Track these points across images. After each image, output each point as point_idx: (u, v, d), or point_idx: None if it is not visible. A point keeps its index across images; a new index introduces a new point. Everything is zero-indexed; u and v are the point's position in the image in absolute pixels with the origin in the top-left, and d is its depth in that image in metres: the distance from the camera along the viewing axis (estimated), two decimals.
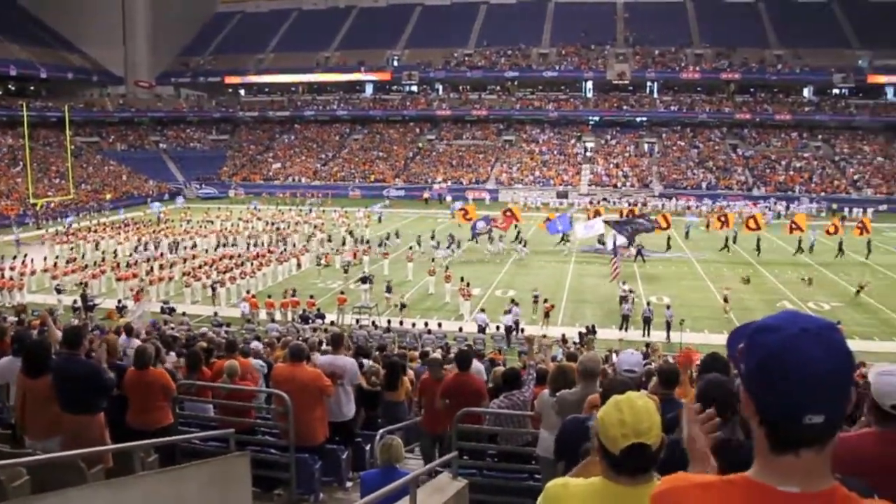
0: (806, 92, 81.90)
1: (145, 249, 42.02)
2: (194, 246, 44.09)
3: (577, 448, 3.70)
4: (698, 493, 1.70)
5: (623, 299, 29.89)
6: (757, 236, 44.05)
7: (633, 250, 41.73)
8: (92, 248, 44.17)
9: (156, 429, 7.47)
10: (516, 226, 45.23)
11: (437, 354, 17.95)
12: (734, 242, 44.66)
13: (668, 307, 29.28)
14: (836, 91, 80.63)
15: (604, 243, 43.10)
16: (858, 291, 32.85)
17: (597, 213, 46.62)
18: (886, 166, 70.51)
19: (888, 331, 28.63)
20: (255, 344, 15.53)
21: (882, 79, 77.43)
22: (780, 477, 1.61)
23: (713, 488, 1.69)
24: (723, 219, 45.08)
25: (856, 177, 69.21)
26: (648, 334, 28.19)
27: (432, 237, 44.78)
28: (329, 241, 45.37)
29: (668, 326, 28.19)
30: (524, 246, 43.09)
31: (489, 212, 49.36)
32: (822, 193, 66.04)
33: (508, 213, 44.46)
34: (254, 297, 31.48)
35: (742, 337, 1.70)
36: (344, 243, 44.71)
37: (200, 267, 36.85)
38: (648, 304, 29.82)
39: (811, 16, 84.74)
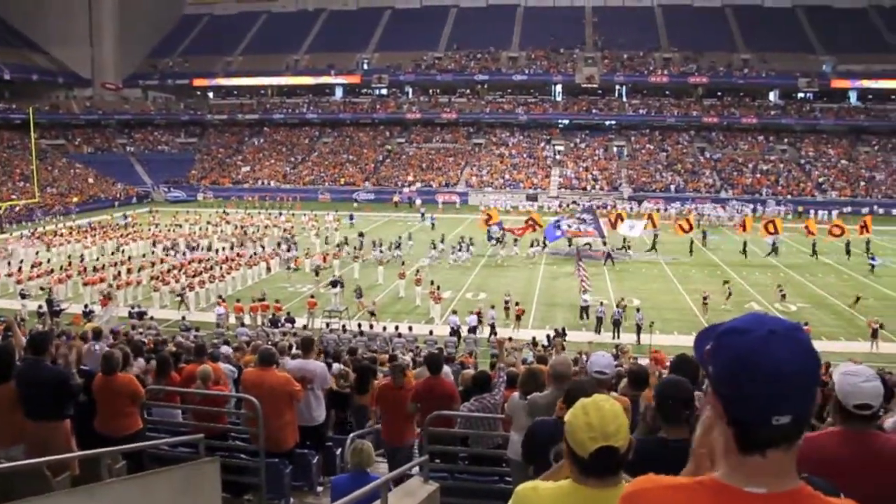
0: (772, 96, 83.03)
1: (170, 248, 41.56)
2: (180, 247, 43.69)
3: (543, 451, 3.71)
4: (667, 495, 1.71)
5: (584, 310, 29.94)
6: (744, 240, 44.58)
7: (603, 251, 42.02)
8: (58, 252, 43.59)
9: (124, 435, 7.39)
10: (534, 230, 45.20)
11: (408, 358, 17.97)
12: (703, 244, 45.19)
13: (639, 310, 29.55)
14: (801, 95, 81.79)
15: (588, 245, 43.36)
16: (857, 300, 32.49)
17: (619, 218, 46.22)
18: (850, 169, 71.67)
19: (854, 331, 29.07)
20: (224, 348, 15.42)
21: (845, 83, 78.68)
22: (747, 478, 1.63)
23: (682, 489, 1.71)
24: (684, 224, 45.41)
25: (821, 179, 70.22)
26: (618, 336, 28.44)
27: (442, 241, 44.46)
28: (293, 243, 45.24)
29: (639, 329, 28.43)
30: (543, 248, 44.32)
31: (466, 214, 49.36)
32: (789, 196, 66.92)
33: (530, 222, 44.50)
34: (224, 301, 31.29)
35: (709, 339, 1.71)
36: (327, 242, 44.68)
37: (169, 271, 36.54)
38: (618, 306, 30.08)
39: (776, 21, 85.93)
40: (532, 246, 44.23)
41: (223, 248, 44.15)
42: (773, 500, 1.61)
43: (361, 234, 45.72)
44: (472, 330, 27.81)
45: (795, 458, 1.65)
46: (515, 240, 44.87)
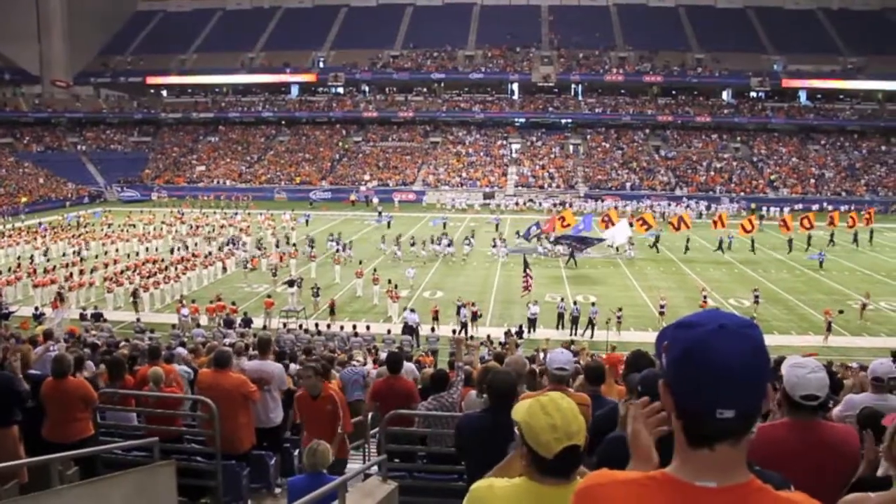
0: (725, 95, 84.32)
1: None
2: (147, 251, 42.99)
3: (471, 445, 3.68)
4: (619, 490, 1.72)
5: (532, 321, 29.96)
6: (686, 236, 45.13)
7: (563, 250, 42.23)
8: (6, 254, 42.68)
9: (75, 441, 7.24)
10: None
11: (361, 357, 17.92)
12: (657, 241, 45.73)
13: (594, 304, 29.85)
14: (753, 94, 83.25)
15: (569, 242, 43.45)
16: (863, 308, 32.14)
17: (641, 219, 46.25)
18: (801, 167, 73.18)
19: (805, 325, 29.64)
20: (179, 350, 15.23)
21: (795, 83, 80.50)
22: (698, 472, 1.65)
23: (633, 484, 1.72)
24: (642, 221, 45.83)
25: (773, 177, 71.54)
26: (575, 333, 28.70)
27: (433, 240, 44.78)
28: (242, 242, 44.91)
29: (592, 325, 28.76)
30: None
31: (422, 213, 49.29)
32: (742, 193, 68.06)
33: (560, 218, 44.59)
34: (182, 302, 30.81)
35: (668, 334, 1.74)
36: (289, 243, 44.30)
37: (122, 272, 35.95)
38: (575, 303, 30.36)
39: (729, 22, 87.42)
40: (494, 246, 44.27)
41: (178, 248, 43.58)
42: (723, 494, 1.63)
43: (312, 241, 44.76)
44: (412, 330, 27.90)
45: (745, 453, 1.67)
46: (547, 236, 45.07)
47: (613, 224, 43.84)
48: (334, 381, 12.42)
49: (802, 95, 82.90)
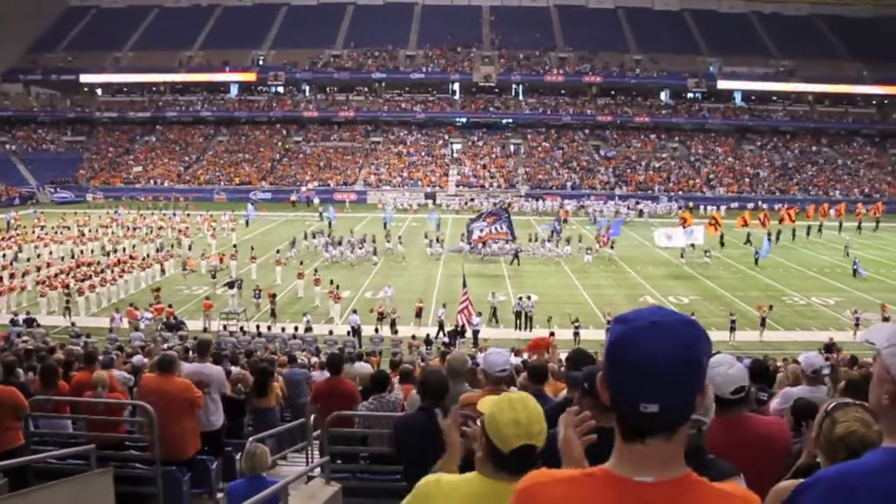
0: (663, 95, 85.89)
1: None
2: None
3: (409, 445, 3.69)
4: (559, 488, 1.74)
5: (476, 334, 29.65)
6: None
7: (510, 248, 42.41)
8: None
9: (2, 451, 7.01)
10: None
11: (304, 359, 17.78)
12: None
13: (529, 297, 30.21)
14: (690, 95, 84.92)
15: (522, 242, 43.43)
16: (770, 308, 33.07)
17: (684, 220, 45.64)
18: (736, 166, 75.07)
19: (741, 321, 30.24)
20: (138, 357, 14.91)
21: (730, 84, 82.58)
22: (635, 467, 1.67)
23: (572, 481, 1.74)
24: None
25: (710, 176, 73.10)
26: (519, 328, 29.08)
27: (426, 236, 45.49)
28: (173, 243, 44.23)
29: (529, 319, 29.16)
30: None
31: (364, 213, 49.01)
32: (680, 192, 69.36)
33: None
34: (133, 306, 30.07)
35: None
36: (233, 246, 43.64)
37: (56, 275, 35.03)
38: (520, 299, 30.65)
39: (666, 24, 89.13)
40: (430, 245, 44.25)
41: (114, 251, 42.64)
42: (660, 488, 1.65)
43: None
44: (355, 331, 27.90)
45: (682, 448, 1.70)
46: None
47: (687, 226, 43.70)
48: (278, 383, 12.34)
49: (737, 97, 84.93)
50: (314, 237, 45.53)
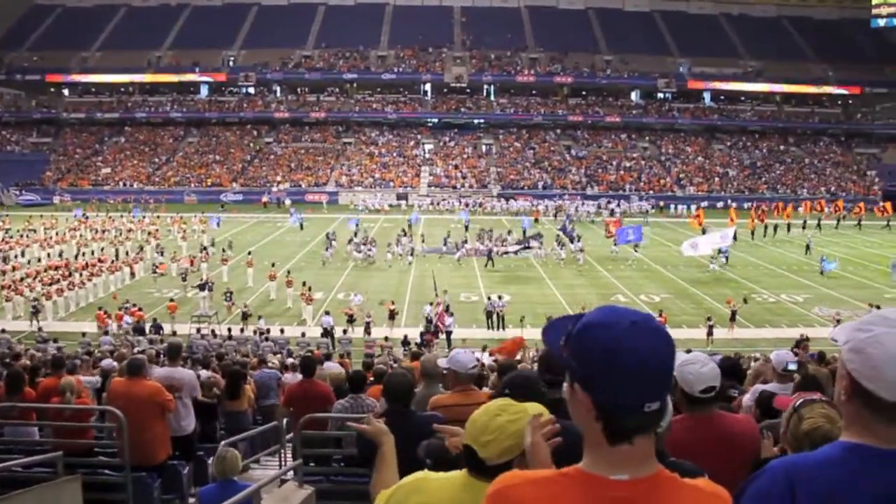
0: (633, 96, 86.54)
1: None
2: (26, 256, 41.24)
3: (371, 449, 3.63)
4: (530, 489, 1.72)
5: (449, 334, 29.46)
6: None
7: (482, 247, 42.43)
8: None
9: None
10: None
11: (276, 361, 17.69)
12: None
13: (500, 297, 30.29)
14: (660, 95, 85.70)
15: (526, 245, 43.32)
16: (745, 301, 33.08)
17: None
18: (706, 166, 75.89)
19: (713, 318, 30.50)
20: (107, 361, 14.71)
21: (700, 85, 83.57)
22: (613, 466, 1.67)
23: (545, 482, 1.73)
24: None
25: (680, 176, 73.78)
26: (492, 327, 29.17)
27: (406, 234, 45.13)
28: (161, 251, 43.69)
29: (501, 318, 29.28)
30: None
31: (336, 214, 48.82)
32: (651, 192, 69.95)
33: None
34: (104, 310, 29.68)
35: (561, 331, 1.75)
36: (204, 248, 43.07)
37: (22, 279, 34.51)
38: (489, 298, 30.68)
39: (636, 24, 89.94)
40: (398, 244, 43.99)
41: (83, 254, 42.10)
42: (636, 485, 1.66)
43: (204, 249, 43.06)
44: (329, 332, 27.78)
45: (654, 444, 1.71)
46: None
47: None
48: (249, 385, 12.26)
49: (707, 97, 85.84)
50: (349, 242, 44.29)
